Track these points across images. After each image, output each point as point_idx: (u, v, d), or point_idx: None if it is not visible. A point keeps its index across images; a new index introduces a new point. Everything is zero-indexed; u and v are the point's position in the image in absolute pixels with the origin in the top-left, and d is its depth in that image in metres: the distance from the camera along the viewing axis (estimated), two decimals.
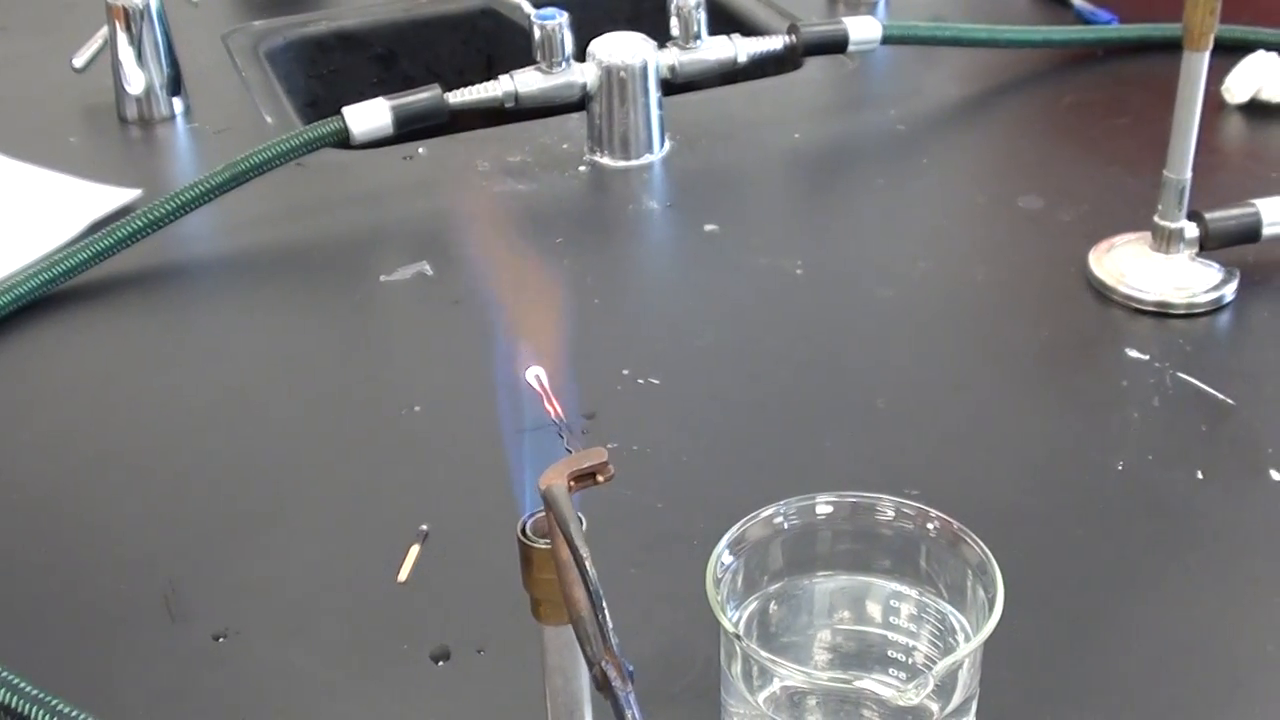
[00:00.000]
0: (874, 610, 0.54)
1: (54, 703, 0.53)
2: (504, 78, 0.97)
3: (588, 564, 0.41)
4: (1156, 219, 0.83)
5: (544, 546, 0.44)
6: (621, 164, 0.99)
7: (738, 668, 0.51)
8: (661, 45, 1.00)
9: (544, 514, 0.43)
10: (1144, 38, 1.13)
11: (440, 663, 0.60)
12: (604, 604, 0.41)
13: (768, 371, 0.79)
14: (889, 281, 0.86)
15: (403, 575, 0.64)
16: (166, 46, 1.07)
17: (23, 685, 0.53)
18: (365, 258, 0.90)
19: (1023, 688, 0.57)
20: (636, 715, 0.40)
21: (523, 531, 0.44)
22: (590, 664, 0.41)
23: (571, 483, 0.42)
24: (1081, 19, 1.19)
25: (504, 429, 0.47)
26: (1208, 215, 0.83)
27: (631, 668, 0.41)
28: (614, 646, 0.41)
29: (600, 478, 0.43)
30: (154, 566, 0.66)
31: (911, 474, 0.69)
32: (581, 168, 0.99)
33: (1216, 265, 0.83)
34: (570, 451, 0.44)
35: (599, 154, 1.00)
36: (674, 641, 0.60)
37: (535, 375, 0.46)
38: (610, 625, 0.41)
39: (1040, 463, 0.71)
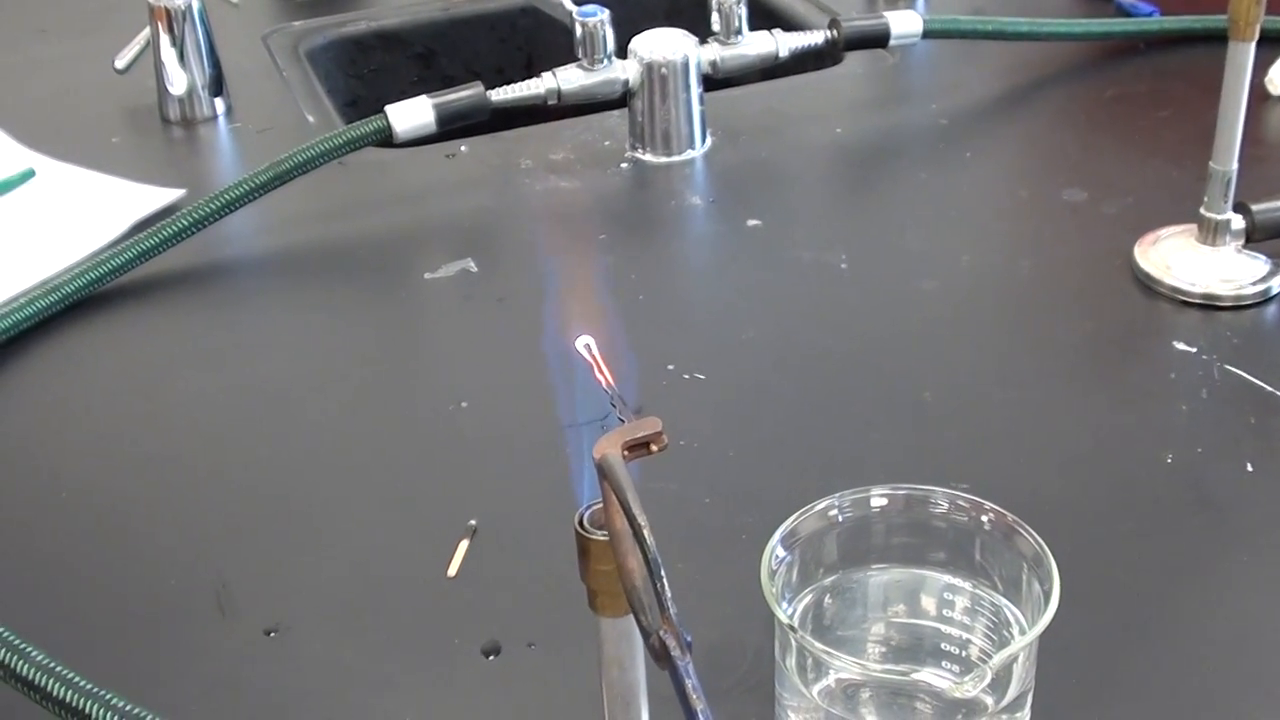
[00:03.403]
0: (928, 603, 0.54)
1: (108, 697, 0.53)
2: (546, 75, 0.98)
3: (646, 532, 0.39)
4: (1202, 211, 0.82)
5: (602, 538, 0.43)
6: (663, 160, 0.99)
7: (792, 660, 0.51)
8: (702, 41, 1.00)
9: (600, 505, 0.43)
10: (1186, 29, 1.12)
11: (491, 657, 0.60)
12: (662, 572, 0.39)
13: (813, 365, 0.78)
14: (934, 275, 0.85)
15: (452, 570, 0.64)
16: (208, 47, 1.07)
17: (78, 680, 0.54)
18: (409, 255, 0.90)
19: (1071, 681, 0.57)
20: (696, 685, 0.39)
21: (580, 523, 0.44)
22: (646, 634, 0.40)
23: (626, 452, 0.41)
24: (1122, 11, 1.18)
25: (558, 422, 0.47)
26: (1254, 207, 0.82)
27: (690, 637, 0.40)
28: (672, 616, 0.39)
29: (655, 447, 0.42)
30: (205, 563, 0.66)
31: (959, 467, 0.68)
32: (623, 164, 0.99)
33: (1263, 257, 0.82)
34: (623, 421, 0.43)
35: (641, 150, 1.00)
36: (724, 636, 0.60)
37: (585, 344, 0.45)
38: (669, 594, 0.39)
39: (1088, 455, 0.71)
